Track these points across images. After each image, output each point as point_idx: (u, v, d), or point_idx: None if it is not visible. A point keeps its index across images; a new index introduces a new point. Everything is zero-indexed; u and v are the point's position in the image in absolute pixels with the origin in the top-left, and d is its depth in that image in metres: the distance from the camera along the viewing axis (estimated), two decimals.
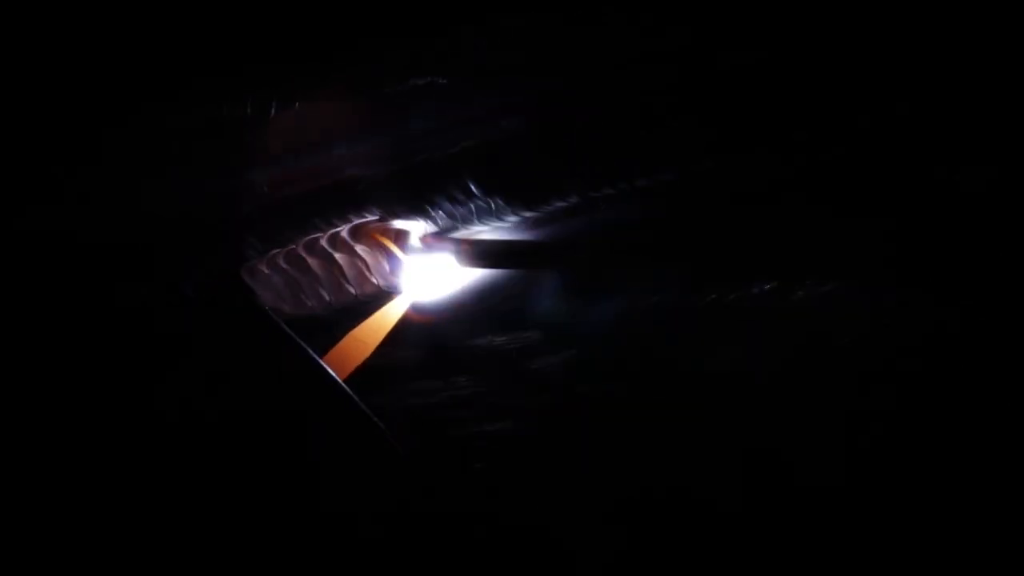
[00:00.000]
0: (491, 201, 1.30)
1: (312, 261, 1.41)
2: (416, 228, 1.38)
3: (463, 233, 1.36)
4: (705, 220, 1.37)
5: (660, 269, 1.45)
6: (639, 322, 1.51)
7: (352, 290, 1.44)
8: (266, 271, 1.42)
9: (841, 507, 1.43)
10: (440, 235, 1.37)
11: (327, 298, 1.45)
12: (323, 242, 1.39)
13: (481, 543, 1.35)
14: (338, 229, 1.38)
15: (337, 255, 1.40)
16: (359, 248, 1.39)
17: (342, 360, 1.30)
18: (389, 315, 1.38)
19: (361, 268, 1.42)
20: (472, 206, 1.32)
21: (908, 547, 1.40)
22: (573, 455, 1.54)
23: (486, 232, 1.37)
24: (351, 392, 1.22)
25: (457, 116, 1.26)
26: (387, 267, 1.41)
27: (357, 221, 1.37)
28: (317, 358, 1.24)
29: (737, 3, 1.18)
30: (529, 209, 1.32)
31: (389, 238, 1.39)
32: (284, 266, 1.41)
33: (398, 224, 1.37)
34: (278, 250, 1.41)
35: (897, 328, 1.42)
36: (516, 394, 1.59)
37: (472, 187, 1.30)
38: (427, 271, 1.40)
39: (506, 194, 1.30)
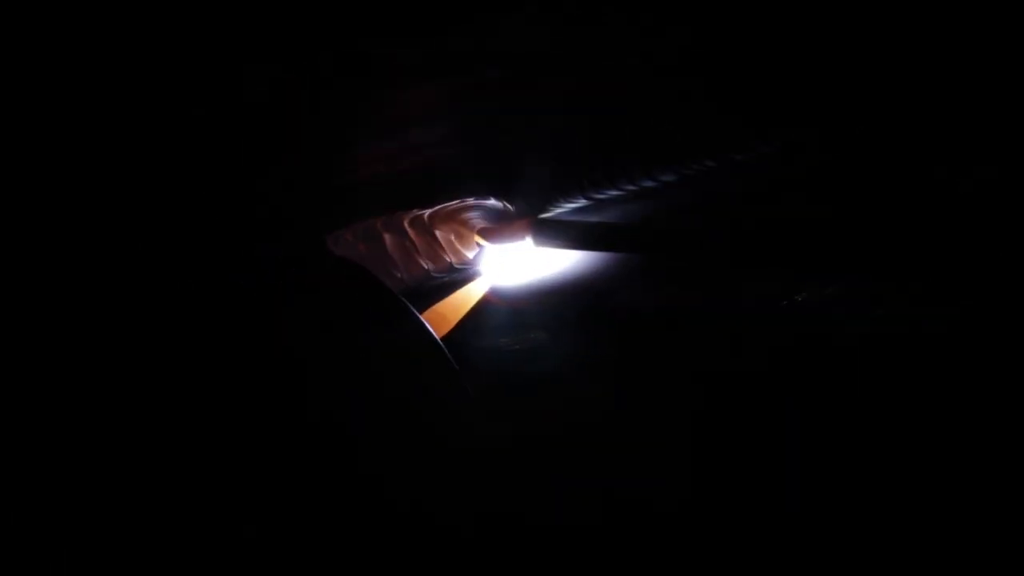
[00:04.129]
0: (568, 183, 1.35)
1: (389, 239, 1.47)
2: (494, 209, 1.43)
3: (541, 214, 1.40)
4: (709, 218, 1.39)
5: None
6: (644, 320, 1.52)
7: (426, 266, 1.49)
8: (345, 245, 1.48)
9: (840, 509, 1.43)
10: (518, 216, 1.41)
11: (398, 276, 1.50)
12: (406, 223, 1.45)
13: None
14: (418, 213, 1.43)
15: (414, 236, 1.46)
16: (437, 231, 1.45)
17: None
18: (470, 294, 1.44)
19: (437, 250, 1.47)
20: (549, 188, 1.37)
21: (908, 549, 1.39)
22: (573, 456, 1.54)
23: (563, 214, 1.41)
24: (443, 346, 1.24)
25: (533, 100, 1.31)
26: (466, 250, 1.46)
27: (436, 207, 1.42)
28: (417, 313, 1.26)
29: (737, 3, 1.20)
30: (603, 191, 1.35)
31: (468, 223, 1.44)
32: (361, 243, 1.48)
33: (477, 205, 1.43)
34: (355, 226, 1.47)
35: (896, 329, 1.42)
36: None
37: (548, 170, 1.35)
38: (506, 254, 1.45)
39: (582, 176, 1.35)
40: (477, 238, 1.43)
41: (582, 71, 1.27)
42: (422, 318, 1.25)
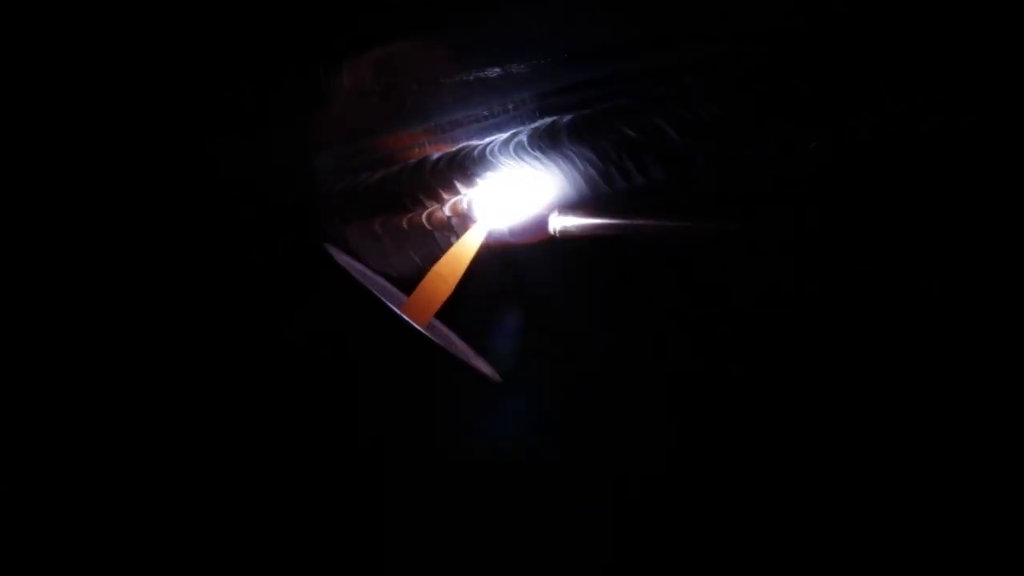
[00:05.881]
0: (578, 167, 1.36)
1: (409, 232, 1.48)
2: (510, 200, 1.42)
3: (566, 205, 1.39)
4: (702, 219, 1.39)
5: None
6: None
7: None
8: (368, 237, 1.49)
9: (840, 507, 1.42)
10: (536, 207, 1.40)
11: (418, 261, 1.50)
12: (422, 217, 1.46)
13: None
14: (435, 207, 1.45)
15: (432, 230, 1.47)
16: (454, 222, 1.46)
17: (428, 298, 1.29)
18: (467, 245, 1.36)
19: (452, 240, 1.47)
20: (558, 174, 1.37)
21: (908, 547, 1.39)
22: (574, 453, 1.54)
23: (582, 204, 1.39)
24: (423, 331, 1.22)
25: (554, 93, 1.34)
26: (465, 205, 1.45)
27: (453, 199, 1.43)
28: (390, 305, 1.24)
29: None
30: (610, 178, 1.36)
31: (485, 215, 1.42)
32: (382, 233, 1.49)
33: (494, 197, 1.42)
34: (377, 218, 1.48)
35: (896, 326, 1.42)
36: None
37: (559, 156, 1.36)
38: (503, 200, 1.41)
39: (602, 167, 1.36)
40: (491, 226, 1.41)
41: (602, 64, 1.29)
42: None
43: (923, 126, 1.27)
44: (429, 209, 1.45)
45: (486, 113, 1.36)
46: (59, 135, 1.32)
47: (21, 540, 1.15)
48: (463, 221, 1.43)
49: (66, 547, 1.17)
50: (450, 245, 1.40)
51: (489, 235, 1.36)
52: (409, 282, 1.35)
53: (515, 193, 1.39)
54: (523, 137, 1.34)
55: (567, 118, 1.33)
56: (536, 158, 1.34)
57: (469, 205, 1.42)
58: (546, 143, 1.34)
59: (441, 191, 1.42)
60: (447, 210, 1.44)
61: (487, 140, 1.38)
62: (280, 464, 1.30)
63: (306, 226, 1.43)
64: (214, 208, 1.39)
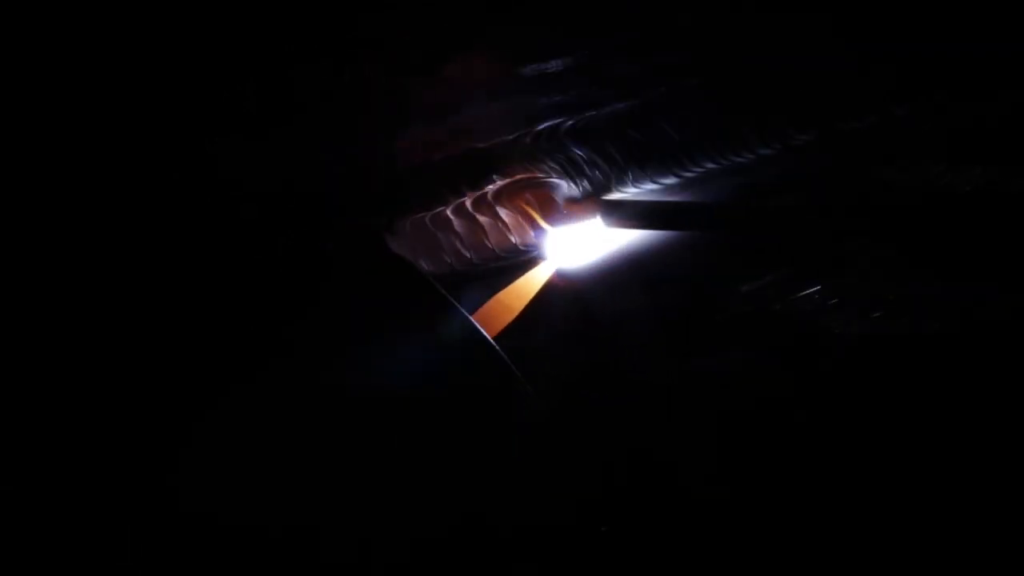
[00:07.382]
0: (637, 163, 1.37)
1: (456, 222, 1.47)
2: (561, 190, 1.42)
3: (608, 195, 1.40)
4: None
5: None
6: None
7: (493, 249, 1.49)
8: (408, 230, 1.48)
9: (841, 507, 1.43)
10: (585, 197, 1.41)
11: (467, 255, 1.50)
12: (468, 204, 1.44)
13: None
14: (482, 192, 1.43)
15: (480, 217, 1.46)
16: (501, 211, 1.44)
17: (487, 321, 1.30)
18: (534, 280, 1.40)
19: (503, 229, 1.47)
20: (618, 168, 1.38)
21: (908, 548, 1.39)
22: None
23: (632, 195, 1.41)
24: (502, 352, 1.22)
25: (602, 80, 1.32)
26: (531, 231, 1.45)
27: (501, 183, 1.42)
28: (467, 315, 1.24)
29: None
30: (674, 172, 1.37)
31: (533, 203, 1.43)
32: (429, 225, 1.48)
33: (542, 186, 1.42)
34: (423, 212, 1.47)
35: (896, 329, 1.43)
36: None
37: (618, 149, 1.36)
38: (572, 236, 1.42)
39: (652, 156, 1.37)
40: (538, 218, 1.41)
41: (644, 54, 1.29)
42: (469, 316, 1.23)
43: (923, 126, 1.28)
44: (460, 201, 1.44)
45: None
46: (57, 135, 1.32)
47: (21, 540, 1.15)
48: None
49: (66, 547, 1.16)
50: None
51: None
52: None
53: (587, 234, 1.40)
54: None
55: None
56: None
57: (537, 237, 1.42)
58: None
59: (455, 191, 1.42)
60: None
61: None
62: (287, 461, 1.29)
63: (320, 224, 1.43)
64: (214, 208, 1.39)
